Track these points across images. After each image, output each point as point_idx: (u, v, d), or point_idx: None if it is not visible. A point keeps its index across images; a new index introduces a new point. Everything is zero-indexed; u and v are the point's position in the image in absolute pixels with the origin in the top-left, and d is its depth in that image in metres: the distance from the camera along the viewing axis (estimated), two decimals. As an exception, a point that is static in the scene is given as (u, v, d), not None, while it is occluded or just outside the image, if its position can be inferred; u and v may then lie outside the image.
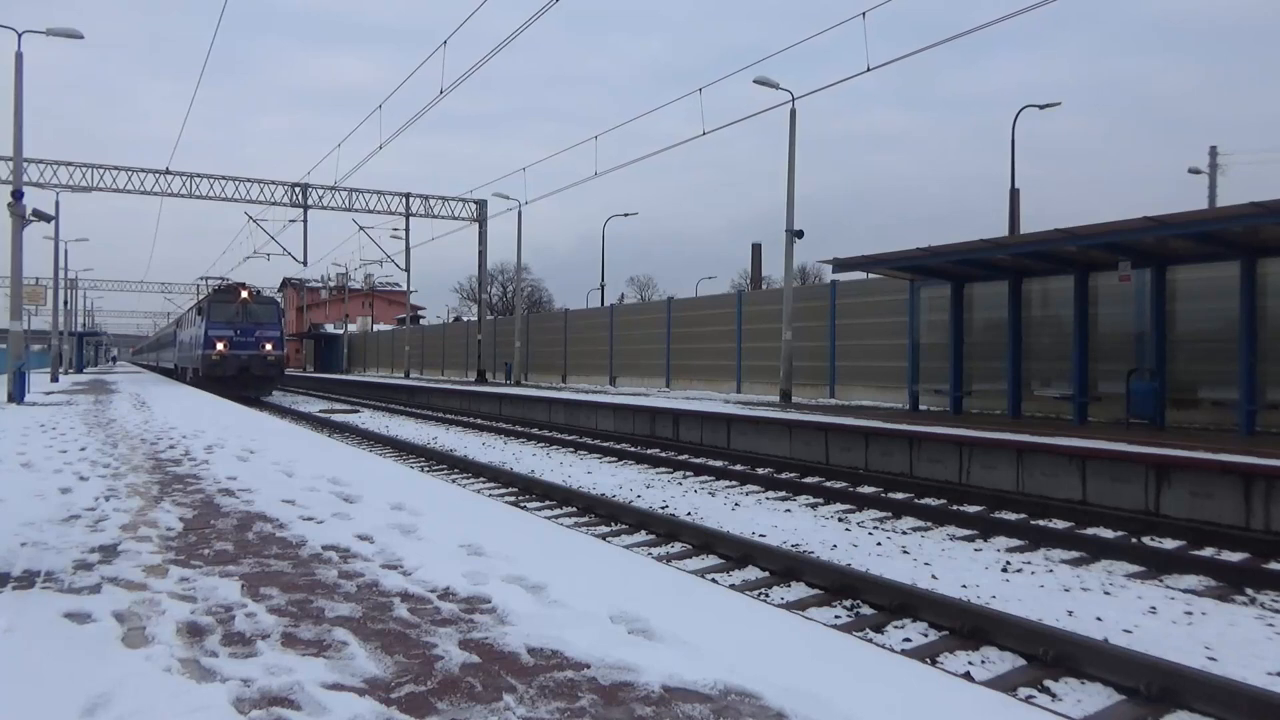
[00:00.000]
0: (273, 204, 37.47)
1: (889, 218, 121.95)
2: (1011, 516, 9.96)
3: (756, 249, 41.97)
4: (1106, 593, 6.81)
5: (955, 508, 10.34)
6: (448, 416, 25.87)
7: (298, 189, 37.25)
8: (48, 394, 24.06)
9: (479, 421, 23.72)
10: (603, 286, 50.36)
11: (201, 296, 37.09)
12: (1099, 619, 6.06)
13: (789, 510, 10.44)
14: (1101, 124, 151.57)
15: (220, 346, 31.43)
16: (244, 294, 33.12)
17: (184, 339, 40.42)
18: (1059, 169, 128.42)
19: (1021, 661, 5.20)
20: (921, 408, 18.09)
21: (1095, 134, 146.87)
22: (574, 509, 10.38)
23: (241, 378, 31.55)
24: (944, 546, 8.45)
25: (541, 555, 4.82)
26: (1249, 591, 6.92)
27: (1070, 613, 6.20)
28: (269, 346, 32.54)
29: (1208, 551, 8.31)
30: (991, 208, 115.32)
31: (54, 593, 4.06)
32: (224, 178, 36.15)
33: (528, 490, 11.66)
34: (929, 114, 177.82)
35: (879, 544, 8.47)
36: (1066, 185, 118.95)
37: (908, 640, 5.63)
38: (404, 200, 39.88)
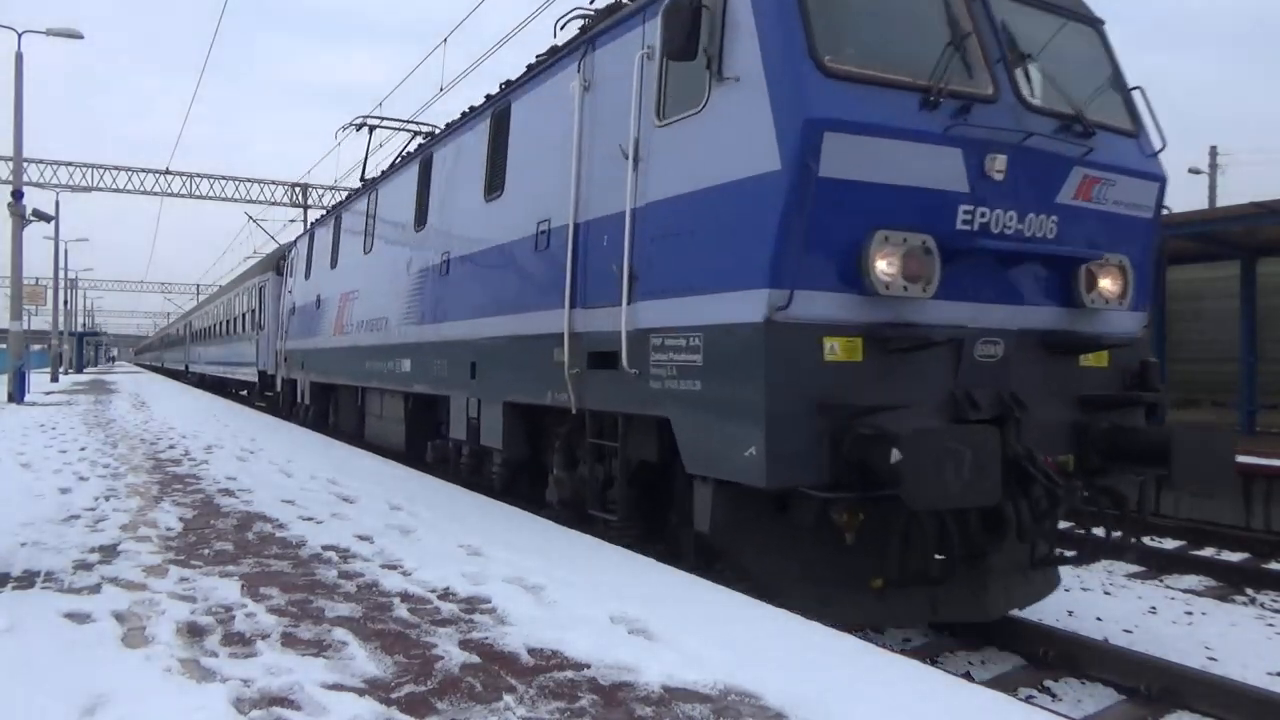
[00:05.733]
0: (273, 204, 37.42)
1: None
2: (1011, 516, 9.94)
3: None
4: (1106, 593, 6.81)
5: (955, 508, 10.31)
6: (448, 416, 25.76)
7: (297, 189, 37.22)
8: (47, 394, 24.07)
9: (479, 421, 23.65)
10: (603, 286, 50.29)
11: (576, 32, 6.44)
12: (1099, 619, 6.06)
13: (789, 510, 10.41)
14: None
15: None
16: None
17: (404, 281, 9.12)
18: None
19: (1021, 661, 5.20)
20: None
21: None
22: (574, 509, 10.34)
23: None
24: (944, 546, 8.43)
25: (541, 555, 4.81)
26: (1249, 591, 6.92)
27: (1070, 613, 6.20)
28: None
29: (1208, 551, 8.31)
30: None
31: (54, 593, 4.06)
32: (224, 178, 36.10)
33: (527, 490, 11.61)
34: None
35: (879, 544, 8.45)
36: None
37: (907, 640, 5.63)
38: (404, 199, 39.80)
